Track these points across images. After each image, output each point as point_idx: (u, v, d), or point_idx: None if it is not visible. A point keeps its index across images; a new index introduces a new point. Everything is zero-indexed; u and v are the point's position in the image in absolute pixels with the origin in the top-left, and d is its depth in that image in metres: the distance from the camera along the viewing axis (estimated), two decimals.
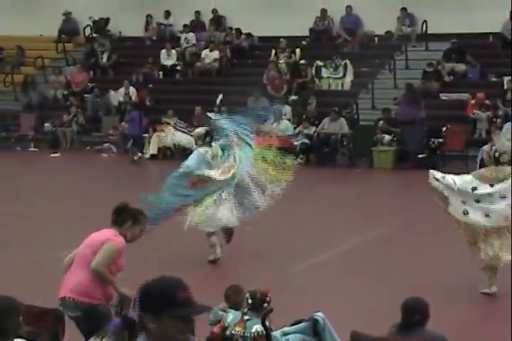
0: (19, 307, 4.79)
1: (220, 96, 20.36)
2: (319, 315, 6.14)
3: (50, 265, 9.45)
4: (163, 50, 23.16)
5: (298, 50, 21.76)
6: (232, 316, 6.12)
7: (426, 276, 9.69)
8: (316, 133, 19.12)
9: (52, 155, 20.26)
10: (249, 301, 6.07)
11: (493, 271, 8.93)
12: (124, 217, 6.42)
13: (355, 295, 9.10)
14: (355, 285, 9.45)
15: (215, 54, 22.67)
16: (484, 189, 8.90)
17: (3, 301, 4.81)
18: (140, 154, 19.87)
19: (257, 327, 5.96)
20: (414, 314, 5.82)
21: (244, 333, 5.99)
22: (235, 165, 10.06)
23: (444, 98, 19.84)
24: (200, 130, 11.61)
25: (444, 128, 18.45)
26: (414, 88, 19.36)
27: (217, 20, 23.86)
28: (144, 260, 9.74)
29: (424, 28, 21.48)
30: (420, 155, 18.15)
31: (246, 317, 6.04)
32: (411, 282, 9.27)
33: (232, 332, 6.01)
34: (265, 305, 6.04)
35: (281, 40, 21.75)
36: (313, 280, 9.71)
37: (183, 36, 23.78)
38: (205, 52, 22.84)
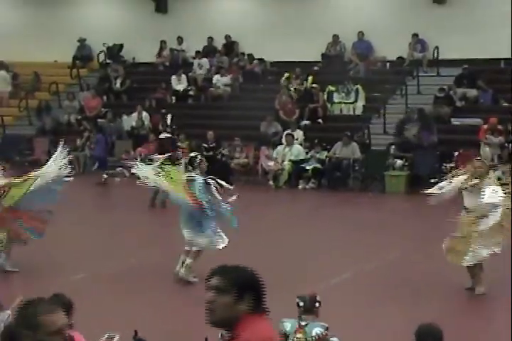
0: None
1: (169, 117, 20.34)
2: (334, 340, 6.17)
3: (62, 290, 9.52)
4: (174, 76, 23.35)
5: (310, 78, 21.89)
6: (289, 324, 6.28)
7: (439, 301, 9.68)
8: (327, 158, 19.19)
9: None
10: (301, 304, 6.34)
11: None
12: None
13: (369, 319, 9.09)
14: (368, 309, 9.44)
15: (227, 79, 22.86)
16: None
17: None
18: (106, 175, 19.95)
19: (317, 330, 6.22)
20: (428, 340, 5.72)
21: (306, 339, 6.18)
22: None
23: (456, 123, 19.89)
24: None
25: (456, 153, 18.49)
26: (426, 113, 19.44)
27: (230, 45, 24.07)
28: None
29: (435, 54, 21.61)
30: (432, 180, 18.13)
31: (303, 323, 6.26)
32: (424, 307, 9.25)
33: (294, 339, 6.20)
34: (317, 304, 6.36)
35: (293, 66, 21.88)
36: (326, 304, 9.68)
37: (195, 62, 23.99)
38: (216, 77, 23.03)
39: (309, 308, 6.33)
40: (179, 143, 20.76)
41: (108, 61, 24.96)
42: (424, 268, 11.46)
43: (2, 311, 6.27)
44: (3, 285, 9.58)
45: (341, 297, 10.05)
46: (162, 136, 17.88)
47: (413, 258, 12.05)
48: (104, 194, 19.33)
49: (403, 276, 11.08)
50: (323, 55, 22.93)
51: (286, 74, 22.01)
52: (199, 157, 10.93)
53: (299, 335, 6.23)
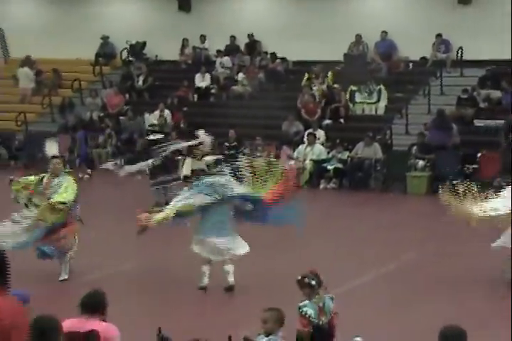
0: (61, 326, 4.88)
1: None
2: (358, 340, 6.17)
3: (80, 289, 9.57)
4: (198, 74, 23.39)
5: (330, 75, 21.84)
6: (312, 310, 6.44)
7: (461, 302, 9.63)
8: (349, 158, 19.14)
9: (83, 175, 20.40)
10: (313, 283, 6.55)
11: None
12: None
13: (392, 320, 9.06)
14: (391, 309, 9.41)
15: (249, 78, 22.85)
16: None
17: (48, 321, 4.91)
18: (89, 171, 20.17)
19: (330, 305, 6.60)
20: None
21: (326, 317, 6.51)
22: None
23: (479, 124, 19.77)
24: (210, 158, 11.62)
25: (478, 155, 18.39)
26: (445, 114, 19.33)
27: (253, 44, 24.06)
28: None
29: (459, 54, 21.49)
30: (454, 181, 18.03)
31: (321, 304, 6.50)
32: (445, 308, 9.21)
33: (320, 323, 6.43)
34: (321, 278, 6.63)
35: (315, 66, 21.82)
36: (349, 305, 9.66)
37: (218, 60, 24.01)
38: (239, 76, 23.03)
39: (320, 282, 6.57)
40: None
41: (131, 59, 25.02)
42: (446, 268, 11.42)
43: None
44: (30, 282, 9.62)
45: (363, 297, 10.03)
46: (152, 137, 17.47)
47: (435, 259, 12.01)
48: (125, 192, 19.33)
49: (425, 277, 11.04)
50: (345, 54, 22.86)
51: (307, 75, 21.96)
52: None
53: (323, 318, 6.47)
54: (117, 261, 11.59)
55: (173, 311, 9.28)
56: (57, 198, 10.50)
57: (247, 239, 10.31)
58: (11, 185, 10.91)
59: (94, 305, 5.89)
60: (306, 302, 6.52)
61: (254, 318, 6.43)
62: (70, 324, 5.78)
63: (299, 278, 6.69)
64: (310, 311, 6.43)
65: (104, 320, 5.86)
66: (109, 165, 16.39)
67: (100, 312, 5.93)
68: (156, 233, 13.95)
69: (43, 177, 10.90)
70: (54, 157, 11.16)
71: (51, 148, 11.83)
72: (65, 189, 10.61)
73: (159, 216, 10.01)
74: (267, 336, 6.15)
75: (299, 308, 6.50)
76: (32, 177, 10.97)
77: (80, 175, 19.79)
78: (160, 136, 17.29)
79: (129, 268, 11.23)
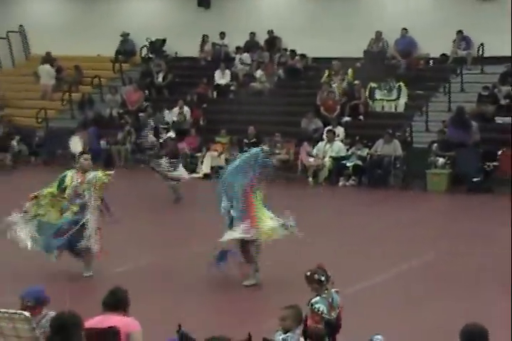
0: (82, 322, 4.92)
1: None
2: (379, 338, 6.15)
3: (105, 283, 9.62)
4: (218, 70, 23.41)
5: (350, 72, 21.79)
6: (324, 306, 6.45)
7: (480, 300, 9.58)
8: (369, 155, 19.09)
9: None
10: (323, 279, 6.61)
11: None
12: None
13: (413, 317, 9.03)
14: (411, 308, 9.38)
15: (267, 74, 22.83)
16: None
17: (71, 316, 4.95)
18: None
19: (338, 300, 6.64)
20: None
21: (335, 312, 6.54)
22: None
23: (499, 121, 19.65)
24: None
25: (499, 152, 18.28)
26: (464, 111, 19.22)
27: (272, 41, 24.04)
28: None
29: (480, 51, 21.37)
30: (475, 179, 17.98)
31: (330, 300, 6.55)
32: (473, 306, 9.17)
33: (330, 318, 6.46)
34: (329, 273, 6.70)
35: (334, 62, 21.79)
36: (369, 302, 9.65)
37: (237, 56, 24.00)
38: (258, 73, 23.02)
39: (328, 277, 6.63)
40: (219, 139, 20.84)
41: (150, 55, 25.06)
42: (466, 266, 11.37)
43: (51, 310, 6.35)
44: (50, 280, 9.67)
45: (382, 295, 10.00)
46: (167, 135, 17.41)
47: (454, 257, 11.95)
48: (145, 188, 19.38)
49: (445, 274, 10.99)
50: (365, 51, 22.78)
51: (327, 72, 21.90)
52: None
53: (333, 313, 6.51)
54: (135, 258, 11.61)
55: (192, 308, 9.29)
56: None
57: None
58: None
59: (116, 302, 5.92)
60: (318, 298, 6.52)
61: (270, 314, 6.44)
62: (92, 321, 5.82)
63: (308, 273, 6.72)
64: (322, 307, 6.45)
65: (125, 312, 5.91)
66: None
67: (122, 309, 5.96)
68: (169, 230, 14.04)
69: (64, 177, 10.71)
70: (83, 153, 11.04)
71: (76, 144, 11.77)
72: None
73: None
74: (284, 333, 6.16)
75: (312, 305, 6.49)
76: (47, 190, 10.70)
77: None
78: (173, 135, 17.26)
79: (146, 265, 11.25)
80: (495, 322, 8.46)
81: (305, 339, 6.28)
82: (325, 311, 6.42)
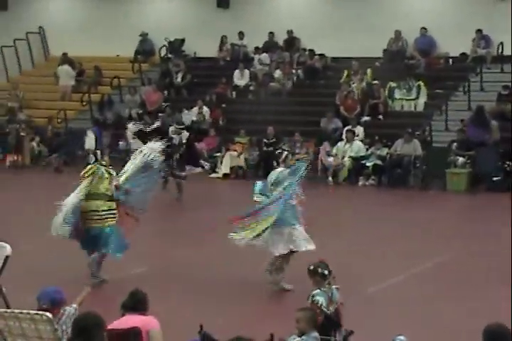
0: (104, 323, 4.95)
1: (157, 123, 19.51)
2: (401, 339, 6.14)
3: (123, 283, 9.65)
4: (237, 71, 23.43)
5: (369, 71, 21.75)
6: (323, 299, 6.60)
7: (497, 300, 9.55)
8: (388, 155, 19.05)
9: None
10: (326, 272, 6.77)
11: None
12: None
13: (433, 318, 9.01)
14: (432, 308, 9.35)
15: (285, 74, 22.83)
16: None
17: (92, 318, 4.99)
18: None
19: (337, 296, 6.75)
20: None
21: (334, 306, 6.69)
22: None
23: None
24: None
25: None
26: (484, 110, 19.14)
27: (291, 41, 24.03)
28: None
29: (499, 50, 21.27)
30: (495, 178, 17.90)
31: (329, 294, 6.67)
32: (488, 306, 9.15)
33: (329, 312, 6.60)
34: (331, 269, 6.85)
35: (353, 62, 21.76)
36: (389, 303, 9.65)
37: (256, 57, 24.02)
38: (277, 73, 23.03)
39: (330, 272, 6.78)
40: (239, 139, 20.86)
41: (169, 56, 25.11)
42: (484, 266, 11.33)
43: (69, 305, 6.39)
44: (69, 278, 9.72)
45: (402, 295, 9.98)
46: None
47: (472, 257, 11.91)
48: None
49: (464, 275, 10.97)
50: (384, 50, 22.73)
51: (346, 72, 21.88)
52: (285, 153, 10.85)
53: (331, 307, 6.61)
54: (154, 258, 11.65)
55: (214, 309, 9.31)
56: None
57: None
58: None
59: (135, 304, 5.96)
60: (318, 291, 6.66)
61: (289, 315, 6.46)
62: (115, 322, 5.87)
63: (312, 267, 6.86)
64: (322, 300, 6.58)
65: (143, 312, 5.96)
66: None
67: (142, 310, 5.99)
68: (180, 232, 14.07)
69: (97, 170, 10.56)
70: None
71: (91, 141, 11.87)
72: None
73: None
74: (299, 336, 6.13)
75: (312, 297, 6.64)
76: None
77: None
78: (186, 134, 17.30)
79: (165, 266, 11.28)
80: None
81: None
82: (324, 304, 6.56)
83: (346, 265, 11.16)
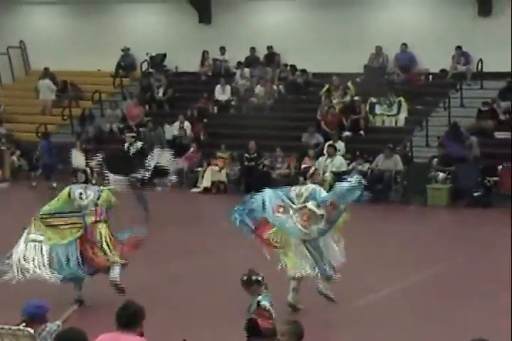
0: (87, 339, 4.91)
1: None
2: None
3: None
4: (218, 86, 23.47)
5: (351, 86, 21.85)
6: (268, 303, 6.74)
7: (481, 318, 9.58)
8: (369, 170, 19.12)
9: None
10: (260, 278, 6.89)
11: None
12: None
13: (412, 334, 9.04)
14: (410, 324, 9.38)
15: (266, 90, 22.90)
16: None
17: (77, 334, 4.96)
18: (55, 184, 19.63)
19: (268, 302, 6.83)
20: None
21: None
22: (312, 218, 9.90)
23: (499, 137, 19.72)
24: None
25: (499, 167, 18.32)
26: (459, 126, 19.34)
27: (271, 56, 24.13)
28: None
29: (479, 67, 21.46)
30: (475, 194, 18.01)
31: (270, 298, 6.81)
32: (465, 323, 9.18)
33: (272, 315, 6.73)
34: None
35: (334, 77, 21.86)
36: (370, 318, 9.66)
37: (238, 72, 24.08)
38: (258, 88, 23.09)
39: (263, 278, 6.90)
40: (220, 153, 20.87)
41: (151, 70, 25.11)
42: (468, 280, 11.37)
43: (51, 322, 6.35)
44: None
45: (385, 311, 9.99)
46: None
47: (456, 272, 11.97)
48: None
49: (447, 289, 11.00)
50: (365, 66, 22.87)
51: (326, 86, 21.97)
52: (312, 168, 10.59)
53: (272, 311, 6.73)
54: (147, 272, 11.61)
55: (198, 321, 9.28)
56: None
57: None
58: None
59: (127, 318, 5.80)
60: (262, 296, 6.79)
61: None
62: (104, 338, 5.74)
63: (245, 278, 6.94)
64: (268, 304, 6.73)
65: (141, 333, 5.79)
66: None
67: (135, 325, 5.80)
68: (175, 244, 14.02)
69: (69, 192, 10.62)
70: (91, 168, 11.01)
71: (78, 159, 11.65)
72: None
73: None
74: None
75: (258, 303, 6.74)
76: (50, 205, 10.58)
77: (34, 184, 20.94)
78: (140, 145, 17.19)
79: (156, 279, 11.25)
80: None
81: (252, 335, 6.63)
82: (270, 308, 6.71)
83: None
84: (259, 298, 6.79)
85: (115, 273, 10.19)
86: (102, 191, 10.60)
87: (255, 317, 6.69)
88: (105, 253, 10.20)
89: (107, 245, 10.21)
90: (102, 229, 10.31)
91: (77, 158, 11.94)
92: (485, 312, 9.78)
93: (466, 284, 11.26)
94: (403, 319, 9.63)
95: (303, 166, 10.85)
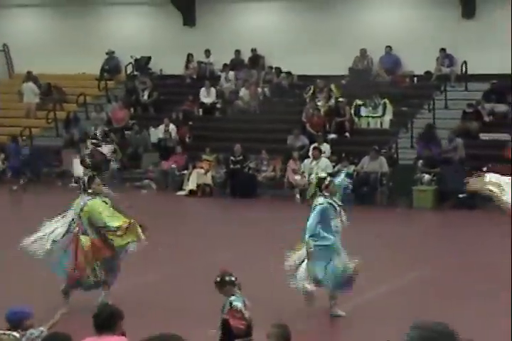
0: None
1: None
2: None
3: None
4: (203, 88, 23.45)
5: (334, 88, 21.88)
6: (240, 303, 6.78)
7: (464, 319, 9.60)
8: (355, 172, 19.14)
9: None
10: (233, 278, 6.92)
11: None
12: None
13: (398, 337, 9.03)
14: (395, 327, 9.37)
15: (251, 92, 22.90)
16: None
17: (61, 338, 4.93)
18: (22, 181, 20.73)
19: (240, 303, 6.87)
20: None
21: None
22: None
23: (484, 138, 19.80)
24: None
25: (484, 169, 18.35)
26: (434, 127, 19.49)
27: (256, 59, 24.14)
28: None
29: (463, 69, 21.55)
30: (460, 195, 18.06)
31: (243, 299, 6.85)
32: (461, 323, 9.19)
33: (246, 316, 6.77)
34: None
35: (318, 80, 21.89)
36: (355, 322, 9.66)
37: (222, 74, 24.07)
38: (243, 91, 23.09)
39: (236, 279, 6.91)
40: (206, 156, 20.84)
41: (136, 73, 25.09)
42: (454, 284, 11.39)
43: (35, 328, 6.32)
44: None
45: (371, 313, 9.99)
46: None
47: (441, 274, 11.98)
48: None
49: (433, 293, 11.01)
50: (350, 68, 22.92)
51: (309, 88, 21.99)
52: (328, 179, 10.12)
53: (247, 312, 6.80)
54: (137, 274, 11.56)
55: (190, 324, 9.25)
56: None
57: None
58: None
59: (103, 321, 5.78)
60: (234, 297, 6.84)
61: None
62: None
63: (219, 279, 6.97)
64: (240, 304, 6.77)
65: (122, 333, 5.80)
66: None
67: (112, 327, 5.81)
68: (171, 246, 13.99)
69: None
70: (93, 176, 10.30)
71: (78, 166, 11.09)
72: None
73: None
74: None
75: (231, 303, 6.81)
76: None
77: (14, 187, 20.71)
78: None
79: (145, 282, 11.21)
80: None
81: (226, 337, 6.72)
82: (243, 308, 6.74)
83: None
84: (232, 298, 6.85)
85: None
86: (86, 203, 10.08)
87: (227, 318, 6.79)
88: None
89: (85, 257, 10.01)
90: (84, 241, 9.99)
91: (77, 167, 11.34)
92: (480, 312, 9.81)
93: (459, 284, 11.28)
94: (390, 321, 9.62)
95: (320, 175, 10.36)
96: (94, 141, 17.46)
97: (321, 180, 10.02)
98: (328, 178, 10.10)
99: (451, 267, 12.40)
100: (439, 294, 10.88)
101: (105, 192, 10.25)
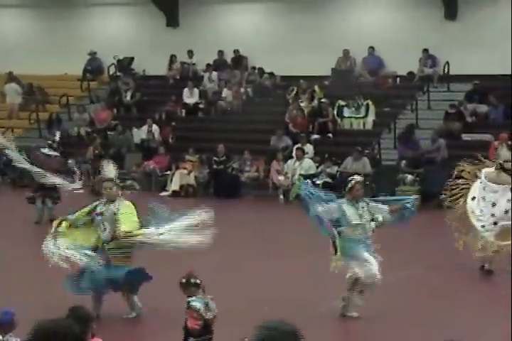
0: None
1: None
2: None
3: None
4: (186, 89, 23.42)
5: (317, 89, 21.90)
6: (199, 304, 6.91)
7: (453, 318, 9.63)
8: (338, 173, 19.17)
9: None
10: (198, 281, 7.05)
11: None
12: None
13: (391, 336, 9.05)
14: (388, 326, 9.39)
15: (233, 93, 22.90)
16: None
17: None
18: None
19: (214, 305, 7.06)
20: None
21: (214, 315, 6.98)
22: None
23: (466, 138, 19.88)
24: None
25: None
26: (413, 128, 19.57)
27: (238, 59, 24.14)
28: None
29: (446, 69, 21.64)
30: (444, 195, 18.08)
31: (205, 300, 6.98)
32: (439, 324, 9.21)
33: (207, 317, 6.94)
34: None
35: (301, 81, 21.91)
36: (347, 322, 9.66)
37: (206, 75, 24.05)
38: (225, 91, 23.08)
39: (201, 281, 7.07)
40: (189, 157, 20.80)
41: (118, 74, 25.04)
42: (437, 285, 11.42)
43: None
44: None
45: (363, 313, 9.98)
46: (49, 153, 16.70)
47: (425, 275, 12.00)
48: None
49: (416, 294, 11.03)
50: (333, 69, 22.96)
51: (293, 89, 22.00)
52: (353, 182, 9.95)
53: (209, 313, 6.94)
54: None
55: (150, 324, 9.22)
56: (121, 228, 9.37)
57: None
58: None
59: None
60: (194, 298, 6.99)
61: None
62: None
63: (184, 280, 7.10)
64: (199, 305, 6.91)
65: (93, 334, 5.72)
66: None
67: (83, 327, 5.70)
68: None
69: (96, 206, 9.79)
70: (107, 180, 9.76)
71: (110, 169, 10.03)
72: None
73: None
74: None
75: (188, 303, 6.97)
76: (79, 213, 9.78)
77: None
78: (55, 153, 17.00)
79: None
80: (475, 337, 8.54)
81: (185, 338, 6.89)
82: (202, 309, 6.88)
83: (299, 280, 11.18)
84: (190, 298, 6.99)
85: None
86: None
87: (186, 317, 7.00)
88: None
89: None
90: None
91: (109, 168, 10.71)
92: (473, 312, 9.84)
93: (433, 286, 11.30)
94: (383, 320, 9.64)
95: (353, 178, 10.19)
96: (49, 141, 17.42)
97: (345, 183, 10.08)
98: (352, 181, 10.05)
99: (444, 267, 12.42)
100: (431, 294, 10.89)
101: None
